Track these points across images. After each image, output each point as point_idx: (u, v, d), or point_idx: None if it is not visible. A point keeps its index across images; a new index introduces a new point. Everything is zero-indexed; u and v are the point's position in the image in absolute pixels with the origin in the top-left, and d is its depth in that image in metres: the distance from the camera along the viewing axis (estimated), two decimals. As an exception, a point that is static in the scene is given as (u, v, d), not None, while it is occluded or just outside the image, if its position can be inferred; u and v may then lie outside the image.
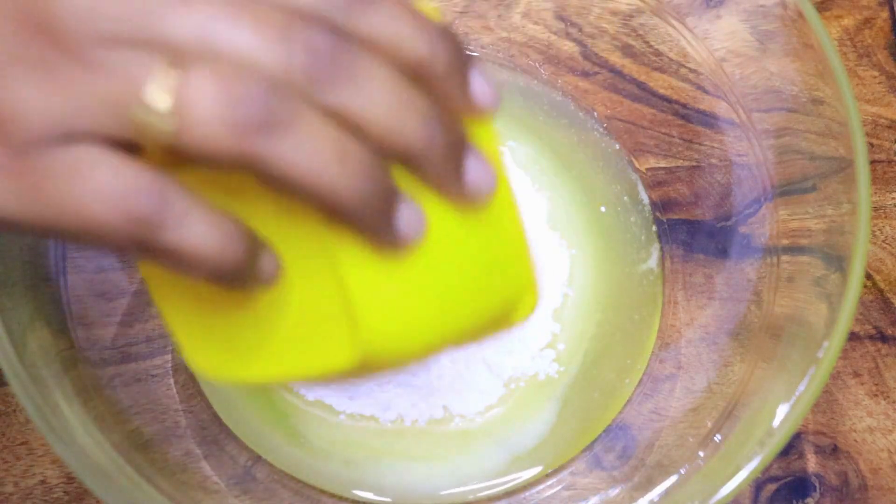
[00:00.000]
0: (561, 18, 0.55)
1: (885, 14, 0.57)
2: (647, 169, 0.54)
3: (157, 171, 0.31)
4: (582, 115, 0.55)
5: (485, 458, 0.50)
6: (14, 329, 0.42)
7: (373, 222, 0.32)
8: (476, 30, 0.56)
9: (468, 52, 0.34)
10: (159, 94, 0.30)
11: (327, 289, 0.34)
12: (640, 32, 0.53)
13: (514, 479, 0.50)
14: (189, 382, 0.50)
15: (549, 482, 0.50)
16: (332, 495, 0.49)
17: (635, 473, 0.48)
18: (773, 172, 0.49)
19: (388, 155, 0.32)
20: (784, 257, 0.48)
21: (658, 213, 0.54)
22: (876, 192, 0.54)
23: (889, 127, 0.55)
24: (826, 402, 0.51)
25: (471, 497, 0.50)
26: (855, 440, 0.50)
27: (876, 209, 0.54)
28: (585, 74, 0.55)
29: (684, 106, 0.53)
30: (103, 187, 0.30)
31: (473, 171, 0.34)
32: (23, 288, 0.44)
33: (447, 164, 0.33)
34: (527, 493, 0.50)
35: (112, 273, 0.50)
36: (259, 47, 0.30)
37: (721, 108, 0.51)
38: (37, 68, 0.30)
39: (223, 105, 0.30)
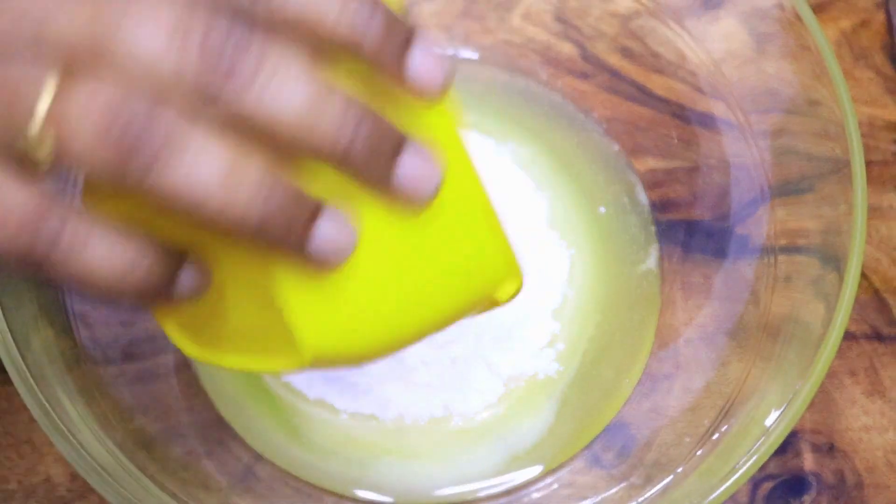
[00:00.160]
0: (560, 20, 0.55)
1: (881, 16, 0.57)
2: (646, 170, 0.54)
3: (56, 192, 0.29)
4: (581, 116, 0.55)
5: (485, 457, 0.50)
6: (18, 329, 0.42)
7: (281, 241, 0.30)
8: (476, 31, 0.56)
9: (409, 24, 0.30)
10: (40, 111, 0.28)
11: (265, 301, 0.32)
12: (639, 34, 0.53)
13: (513, 478, 0.50)
14: (192, 381, 0.50)
15: (548, 481, 0.50)
16: (334, 494, 0.49)
17: (634, 472, 0.48)
18: (770, 173, 0.49)
19: (303, 158, 0.29)
20: (781, 257, 0.48)
21: (656, 214, 0.54)
22: (872, 193, 0.54)
23: (885, 128, 0.55)
24: (822, 400, 0.51)
25: (470, 496, 0.50)
26: (851, 439, 0.50)
27: (872, 210, 0.54)
28: (585, 76, 0.55)
29: (682, 107, 0.53)
30: None
31: (409, 168, 0.30)
32: (26, 288, 0.45)
33: (373, 162, 0.30)
34: (526, 492, 0.50)
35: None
36: (152, 48, 0.28)
37: (719, 110, 0.51)
38: None
39: (99, 125, 0.28)
